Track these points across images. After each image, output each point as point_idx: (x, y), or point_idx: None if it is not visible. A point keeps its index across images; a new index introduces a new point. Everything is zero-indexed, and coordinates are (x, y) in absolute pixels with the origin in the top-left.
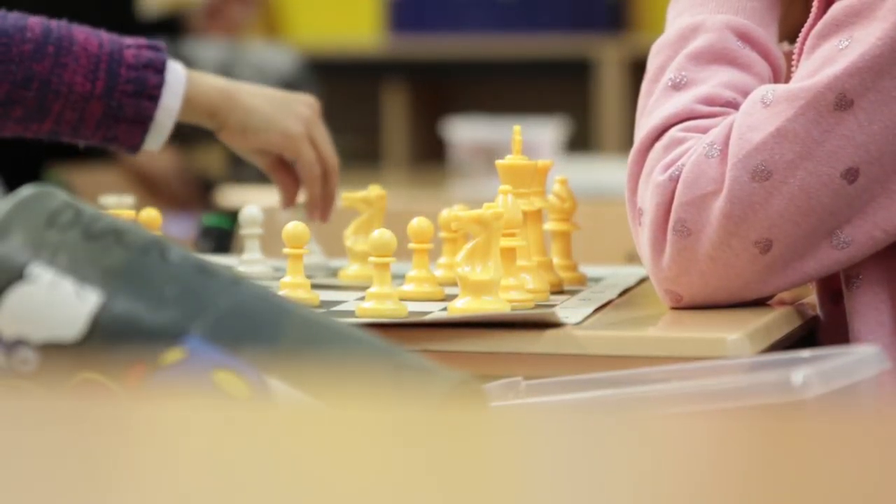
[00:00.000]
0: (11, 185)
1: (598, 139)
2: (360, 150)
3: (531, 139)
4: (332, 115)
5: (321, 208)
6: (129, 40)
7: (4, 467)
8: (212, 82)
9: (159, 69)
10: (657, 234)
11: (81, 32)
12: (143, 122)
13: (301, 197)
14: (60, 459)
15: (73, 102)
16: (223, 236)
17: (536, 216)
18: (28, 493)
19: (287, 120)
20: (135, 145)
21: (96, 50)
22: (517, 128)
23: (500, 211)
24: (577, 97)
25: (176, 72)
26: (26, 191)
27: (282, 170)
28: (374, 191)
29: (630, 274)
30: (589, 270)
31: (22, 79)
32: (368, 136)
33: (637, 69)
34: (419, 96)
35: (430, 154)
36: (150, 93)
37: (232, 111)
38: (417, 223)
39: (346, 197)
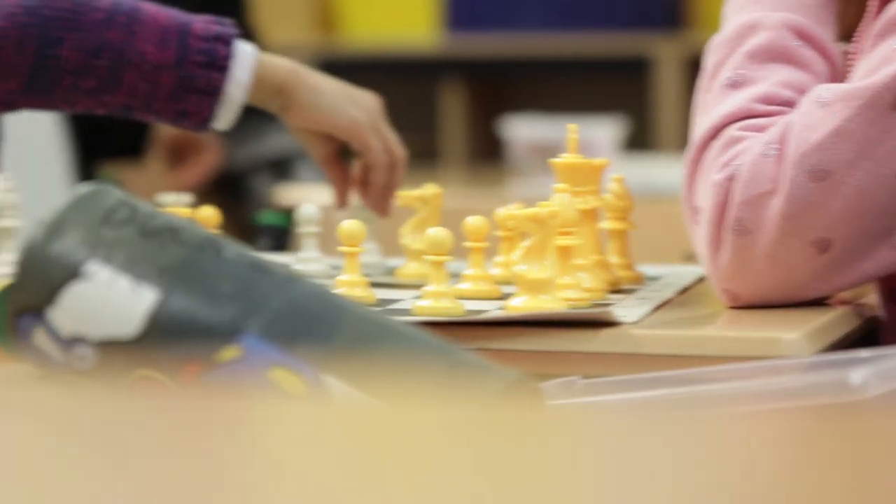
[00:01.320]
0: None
1: (655, 138)
2: (418, 148)
3: (589, 138)
4: (389, 114)
5: (383, 201)
6: (195, 16)
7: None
8: (279, 60)
9: (228, 42)
10: (714, 234)
11: (150, 6)
12: (213, 94)
13: (354, 199)
14: (162, 459)
15: (146, 73)
16: (280, 234)
17: (592, 215)
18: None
19: (353, 108)
20: (205, 119)
21: (165, 21)
22: (572, 126)
23: (556, 209)
24: (635, 95)
25: (243, 47)
26: (82, 189)
27: (337, 166)
28: (430, 189)
29: (688, 273)
30: (646, 269)
31: (94, 47)
32: (425, 134)
33: (695, 67)
34: (476, 95)
35: (488, 152)
36: (221, 64)
37: (299, 89)
38: (473, 221)
39: (403, 195)
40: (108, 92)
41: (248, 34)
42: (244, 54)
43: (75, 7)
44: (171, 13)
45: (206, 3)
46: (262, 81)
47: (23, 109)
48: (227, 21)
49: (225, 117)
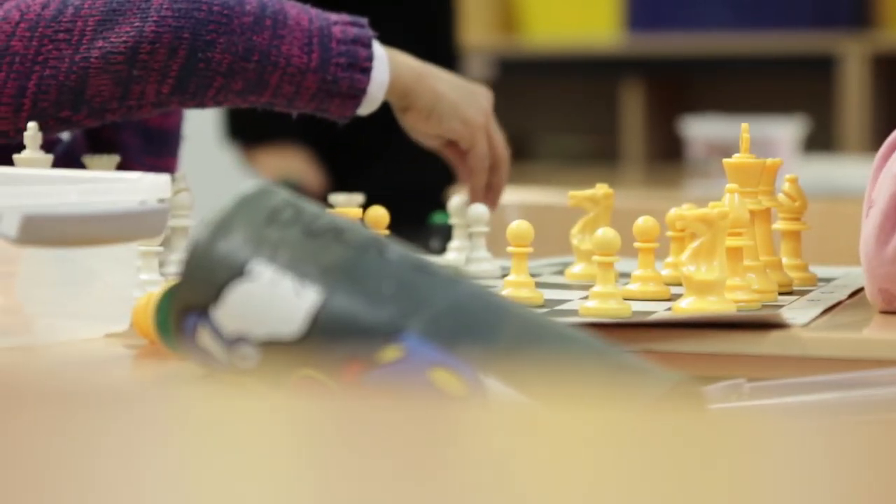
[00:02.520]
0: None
1: (840, 138)
2: (598, 148)
3: (769, 137)
4: (570, 113)
5: (489, 198)
6: (333, 16)
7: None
8: (406, 61)
9: (366, 44)
10: (884, 224)
11: (293, 7)
12: (356, 96)
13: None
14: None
15: (291, 75)
16: (452, 234)
17: (765, 215)
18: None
19: (470, 109)
20: (345, 118)
21: (307, 24)
22: (745, 126)
23: (726, 210)
24: (819, 95)
25: (377, 47)
26: (248, 189)
27: (455, 149)
28: (600, 189)
29: (862, 274)
30: (820, 271)
31: (243, 50)
32: (605, 134)
33: (882, 66)
34: (657, 94)
35: (668, 152)
36: (362, 65)
37: (422, 94)
38: (643, 222)
39: (573, 195)
40: (254, 93)
41: (456, 48)
42: (380, 55)
43: (225, 10)
44: (311, 14)
45: (426, 18)
46: (392, 82)
47: (173, 108)
48: (363, 21)
49: (365, 110)
